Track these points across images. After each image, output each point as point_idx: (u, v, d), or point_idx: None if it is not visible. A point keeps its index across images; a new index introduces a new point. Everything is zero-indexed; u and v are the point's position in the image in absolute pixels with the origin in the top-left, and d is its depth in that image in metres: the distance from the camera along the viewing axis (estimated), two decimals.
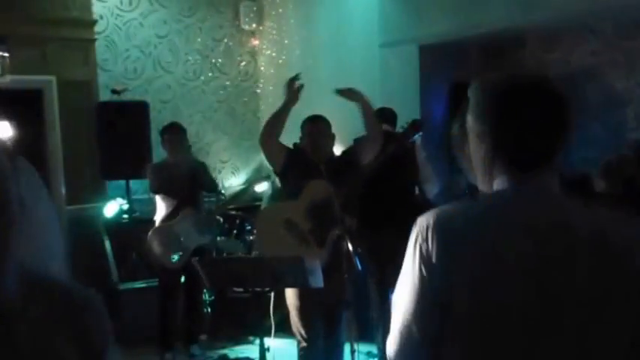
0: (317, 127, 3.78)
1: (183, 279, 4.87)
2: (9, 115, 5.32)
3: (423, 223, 1.29)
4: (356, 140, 4.14)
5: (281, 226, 3.60)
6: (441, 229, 1.26)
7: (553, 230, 1.23)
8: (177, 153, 4.84)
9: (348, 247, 3.19)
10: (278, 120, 3.74)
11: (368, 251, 3.82)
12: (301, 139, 3.85)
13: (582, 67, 5.20)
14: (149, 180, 4.89)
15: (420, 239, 1.28)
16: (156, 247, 4.71)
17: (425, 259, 1.26)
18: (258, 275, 3.24)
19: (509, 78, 1.33)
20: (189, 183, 4.83)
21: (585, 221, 1.25)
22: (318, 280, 3.18)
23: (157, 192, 4.89)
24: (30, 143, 5.43)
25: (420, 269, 1.27)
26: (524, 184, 1.28)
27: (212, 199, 5.34)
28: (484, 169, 1.34)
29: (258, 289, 3.38)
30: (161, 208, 4.84)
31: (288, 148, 3.82)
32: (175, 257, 4.69)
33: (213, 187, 5.16)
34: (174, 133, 4.87)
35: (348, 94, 3.77)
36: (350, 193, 3.57)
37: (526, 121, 1.27)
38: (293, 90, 3.75)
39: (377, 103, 4.46)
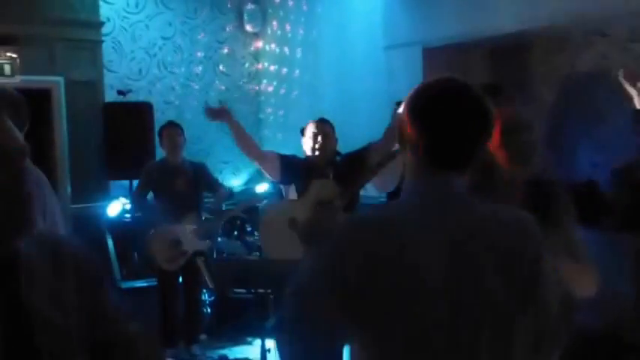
0: (321, 129, 3.81)
1: (181, 279, 4.88)
2: None
3: (340, 237, 1.31)
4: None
5: (285, 224, 3.63)
6: (355, 244, 1.27)
7: (465, 238, 1.26)
8: (176, 152, 4.85)
9: None
10: (239, 141, 3.88)
11: None
12: (303, 139, 3.87)
13: (591, 70, 5.16)
14: (139, 180, 4.90)
15: (336, 252, 1.29)
16: (155, 248, 4.73)
17: (339, 275, 1.26)
18: (263, 277, 3.26)
19: (433, 85, 1.36)
20: (190, 184, 4.84)
21: (494, 225, 1.29)
22: None
23: (140, 194, 4.91)
24: (37, 143, 5.45)
25: (334, 282, 1.27)
26: (439, 188, 1.31)
27: (211, 199, 5.34)
28: (409, 173, 1.37)
29: (262, 291, 3.41)
30: (163, 209, 4.85)
31: (279, 156, 3.86)
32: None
33: (216, 186, 5.15)
34: (173, 132, 4.87)
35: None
36: (356, 193, 3.59)
37: (450, 123, 1.29)
38: (216, 116, 3.90)
39: (382, 106, 4.48)
